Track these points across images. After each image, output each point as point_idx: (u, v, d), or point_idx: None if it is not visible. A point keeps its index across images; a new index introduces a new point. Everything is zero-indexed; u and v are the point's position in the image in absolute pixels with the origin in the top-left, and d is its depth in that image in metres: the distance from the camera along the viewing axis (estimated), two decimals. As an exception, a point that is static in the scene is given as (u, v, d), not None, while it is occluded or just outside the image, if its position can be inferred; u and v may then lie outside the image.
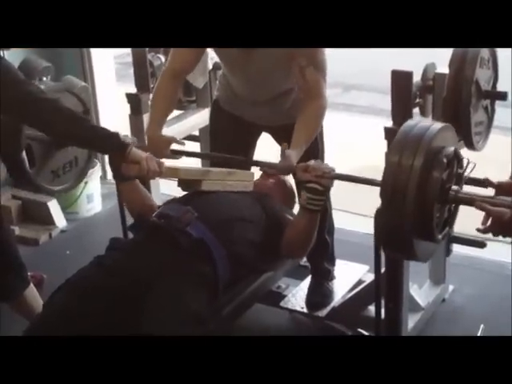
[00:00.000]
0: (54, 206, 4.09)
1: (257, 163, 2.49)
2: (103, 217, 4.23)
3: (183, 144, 2.71)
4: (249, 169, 2.70)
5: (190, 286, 2.17)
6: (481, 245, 3.10)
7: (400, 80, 2.34)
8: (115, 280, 2.14)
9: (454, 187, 2.05)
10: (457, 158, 2.08)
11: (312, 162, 2.29)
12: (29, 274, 2.85)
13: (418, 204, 1.97)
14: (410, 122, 2.10)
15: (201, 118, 3.36)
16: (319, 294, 3.00)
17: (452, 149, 2.05)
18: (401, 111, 2.31)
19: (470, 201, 1.99)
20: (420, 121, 2.14)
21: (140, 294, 2.10)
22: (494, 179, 2.00)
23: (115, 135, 2.40)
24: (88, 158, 2.99)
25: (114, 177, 2.55)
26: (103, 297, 2.11)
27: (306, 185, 2.29)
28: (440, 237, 2.12)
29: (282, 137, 2.69)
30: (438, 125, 2.08)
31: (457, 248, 3.21)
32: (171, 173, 2.47)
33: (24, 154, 2.67)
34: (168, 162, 2.49)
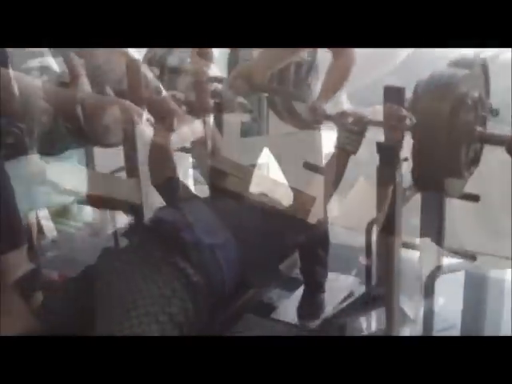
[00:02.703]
0: (43, 216, 4.07)
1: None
2: (94, 227, 4.20)
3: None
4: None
5: (176, 291, 2.17)
6: (472, 258, 3.12)
7: (392, 95, 2.36)
8: (103, 292, 2.16)
9: (479, 128, 2.25)
10: (481, 101, 2.26)
11: (346, 108, 2.41)
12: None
13: (446, 145, 2.14)
14: (437, 70, 2.26)
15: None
16: (310, 305, 3.01)
17: (477, 92, 2.24)
18: (393, 126, 2.33)
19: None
20: (447, 69, 2.30)
21: (126, 302, 2.11)
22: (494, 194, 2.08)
23: None
24: None
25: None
26: (89, 309, 2.14)
27: (343, 127, 2.36)
28: (467, 174, 2.32)
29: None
30: (464, 70, 2.25)
31: (447, 261, 3.22)
32: None
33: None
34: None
